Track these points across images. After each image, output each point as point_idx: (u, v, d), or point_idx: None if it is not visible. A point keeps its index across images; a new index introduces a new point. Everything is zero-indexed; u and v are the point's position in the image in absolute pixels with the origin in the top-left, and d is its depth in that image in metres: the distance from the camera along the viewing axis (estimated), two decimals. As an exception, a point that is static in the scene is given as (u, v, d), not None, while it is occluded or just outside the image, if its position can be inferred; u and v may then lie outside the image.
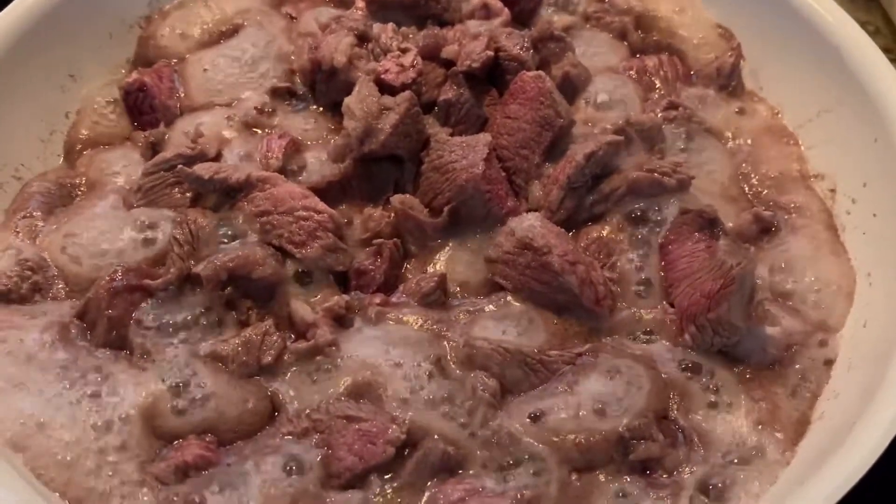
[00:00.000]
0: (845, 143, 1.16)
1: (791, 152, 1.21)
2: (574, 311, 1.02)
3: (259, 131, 1.15)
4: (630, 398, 0.92)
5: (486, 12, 1.29)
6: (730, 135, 1.20)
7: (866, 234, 1.09)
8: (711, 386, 0.95)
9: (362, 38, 1.21)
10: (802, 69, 1.23)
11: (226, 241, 1.02)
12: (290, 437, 0.90)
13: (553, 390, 0.94)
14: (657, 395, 0.93)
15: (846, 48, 1.17)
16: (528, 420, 0.92)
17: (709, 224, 1.04)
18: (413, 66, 1.16)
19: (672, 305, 1.02)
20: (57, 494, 0.85)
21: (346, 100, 1.11)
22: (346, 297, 1.00)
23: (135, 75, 1.21)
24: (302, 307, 0.98)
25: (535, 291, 1.02)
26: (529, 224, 1.03)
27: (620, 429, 0.90)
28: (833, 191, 1.17)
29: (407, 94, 1.10)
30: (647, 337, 1.00)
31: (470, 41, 1.19)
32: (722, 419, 0.93)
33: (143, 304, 0.97)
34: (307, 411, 0.92)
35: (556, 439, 0.90)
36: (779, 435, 0.93)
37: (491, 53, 1.16)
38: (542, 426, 0.91)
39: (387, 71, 1.15)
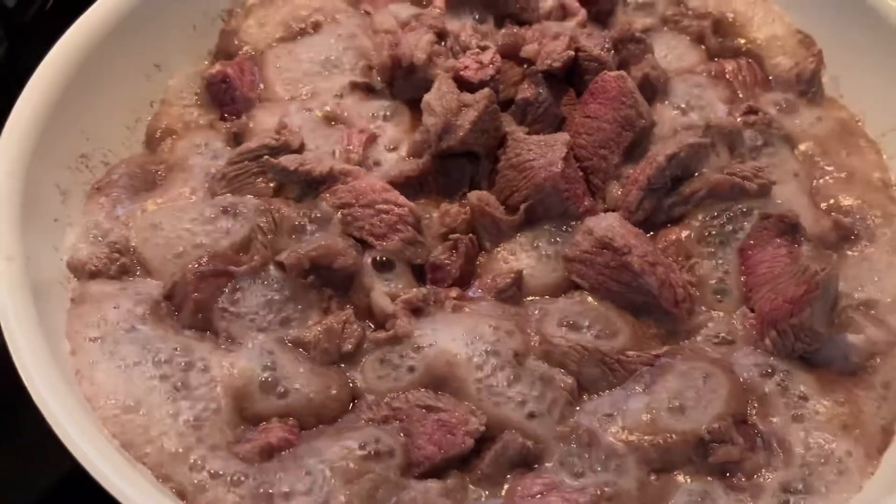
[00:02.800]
0: (929, 152, 1.15)
1: (872, 161, 1.19)
2: (652, 313, 1.01)
3: (338, 125, 1.16)
4: (709, 401, 0.92)
5: (563, 12, 1.29)
6: (810, 142, 1.18)
7: None
8: (792, 391, 0.94)
9: (441, 36, 1.22)
10: (885, 77, 1.22)
11: (308, 231, 1.04)
12: (371, 423, 0.91)
13: (631, 390, 0.94)
14: (736, 398, 0.93)
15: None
16: (605, 418, 0.92)
17: (790, 229, 1.03)
18: (492, 64, 1.17)
19: (752, 310, 1.01)
20: (145, 467, 0.87)
21: (426, 96, 1.12)
22: (423, 289, 1.01)
23: (218, 67, 1.23)
24: (382, 298, 0.99)
25: (612, 292, 1.02)
26: (608, 224, 1.03)
27: (700, 431, 0.89)
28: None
29: (486, 91, 1.11)
30: (726, 341, 0.99)
31: (550, 41, 1.19)
32: (802, 425, 0.92)
33: (227, 290, 0.98)
34: (386, 399, 0.93)
35: (633, 438, 0.90)
36: (862, 443, 0.92)
37: (572, 53, 1.16)
38: (619, 425, 0.91)
39: (466, 68, 1.16)
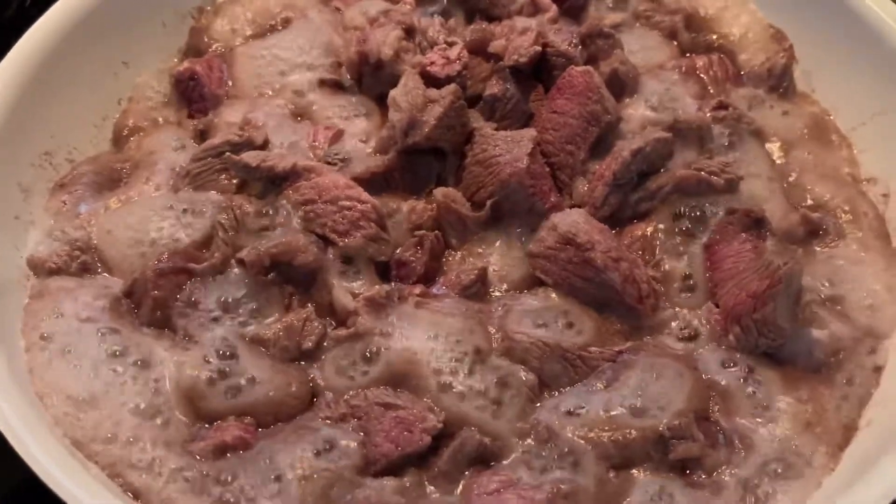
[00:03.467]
0: (900, 146, 1.14)
1: (842, 156, 1.18)
2: (615, 309, 1.01)
3: (305, 121, 1.16)
4: (670, 397, 0.91)
5: (534, 8, 1.28)
6: (780, 137, 1.17)
7: (921, 239, 1.07)
8: (754, 388, 0.94)
9: (409, 32, 1.21)
10: (857, 71, 1.21)
11: (269, 227, 1.03)
12: (328, 421, 0.90)
13: (592, 386, 0.93)
14: (698, 395, 0.92)
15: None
16: (565, 415, 0.91)
17: (755, 224, 1.02)
18: (459, 60, 1.16)
19: (717, 306, 1.01)
20: (97, 466, 0.86)
21: (392, 92, 1.11)
22: (386, 286, 1.00)
23: (186, 64, 1.22)
24: (343, 295, 0.99)
25: (576, 287, 1.01)
26: (573, 220, 1.02)
27: (660, 427, 0.88)
28: (886, 195, 1.14)
29: (452, 86, 1.10)
30: (690, 336, 0.98)
31: (517, 36, 1.18)
32: (764, 422, 0.92)
33: (186, 287, 0.98)
34: (345, 397, 0.92)
35: (592, 435, 0.89)
36: (824, 440, 0.91)
37: (539, 49, 1.15)
38: (579, 421, 0.90)
39: (432, 63, 1.15)
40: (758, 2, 1.31)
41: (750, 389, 0.93)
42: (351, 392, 0.93)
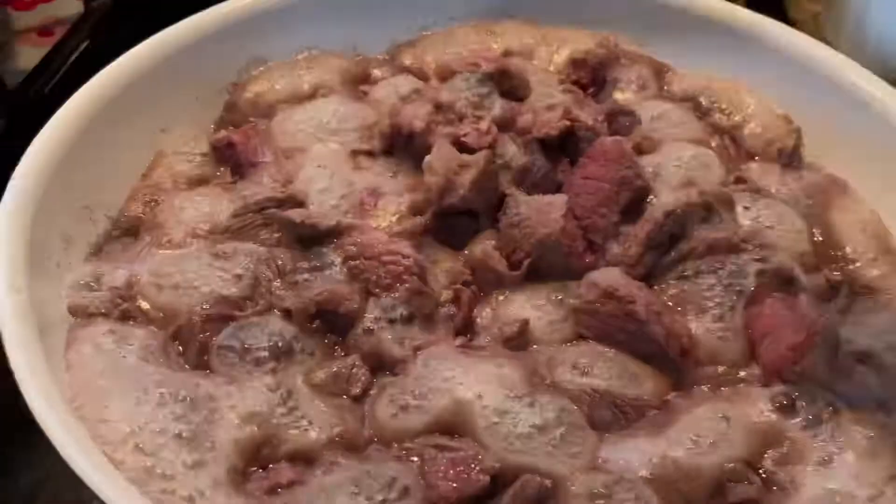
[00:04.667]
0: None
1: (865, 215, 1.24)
2: (658, 364, 1.02)
3: (342, 183, 1.18)
4: (724, 441, 0.91)
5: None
6: (802, 196, 1.23)
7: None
8: (811, 431, 0.94)
9: (439, 107, 1.27)
10: (864, 155, 1.28)
11: (312, 279, 1.04)
12: (384, 462, 0.89)
13: (644, 431, 0.93)
14: (751, 439, 0.92)
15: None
16: (621, 460, 0.91)
17: (787, 282, 1.06)
18: (489, 133, 1.21)
19: (756, 363, 1.02)
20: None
21: (427, 157, 1.15)
22: (431, 336, 1.01)
23: (223, 133, 1.26)
24: (392, 344, 0.99)
25: (619, 342, 1.02)
26: (613, 275, 1.05)
27: (717, 470, 0.88)
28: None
29: (485, 152, 1.15)
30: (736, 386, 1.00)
31: (545, 111, 1.24)
32: (821, 467, 0.92)
33: (228, 330, 0.98)
34: (397, 442, 0.91)
35: (650, 477, 0.88)
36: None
37: (567, 123, 1.21)
38: (637, 463, 0.90)
39: (466, 134, 1.20)
40: (764, 88, 1.39)
41: (805, 432, 0.94)
42: (403, 437, 0.92)
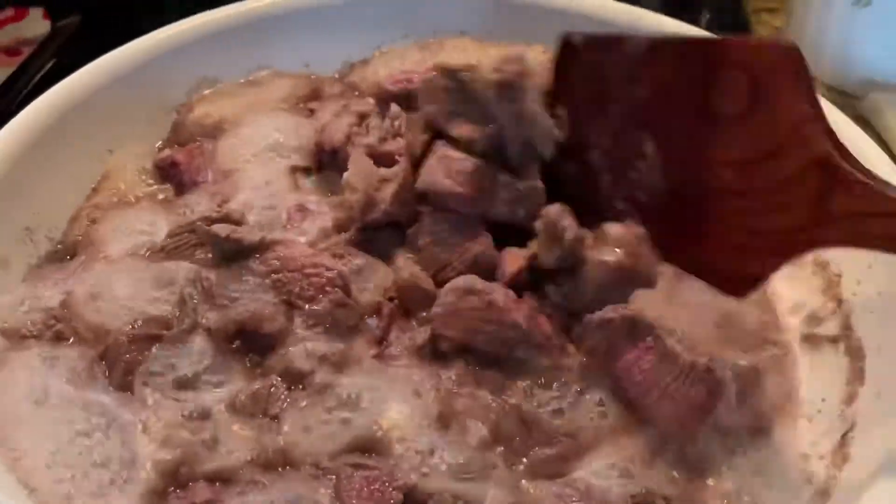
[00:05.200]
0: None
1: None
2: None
3: (276, 200, 1.21)
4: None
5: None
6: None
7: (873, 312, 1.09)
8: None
9: (362, 118, 1.28)
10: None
11: (238, 298, 1.05)
12: (299, 481, 0.90)
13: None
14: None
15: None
16: (532, 473, 0.93)
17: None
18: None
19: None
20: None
21: (345, 175, 1.16)
22: (340, 345, 1.02)
23: (167, 152, 1.29)
24: (299, 357, 1.01)
25: (480, 341, 1.02)
26: (471, 278, 1.04)
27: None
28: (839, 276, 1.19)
29: (404, 163, 1.15)
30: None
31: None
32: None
33: (151, 353, 1.00)
34: (312, 460, 0.93)
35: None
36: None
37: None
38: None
39: (385, 140, 1.21)
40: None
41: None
42: (318, 454, 0.93)
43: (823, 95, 1.26)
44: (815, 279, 1.18)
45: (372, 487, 0.90)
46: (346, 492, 0.90)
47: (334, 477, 0.91)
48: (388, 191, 1.12)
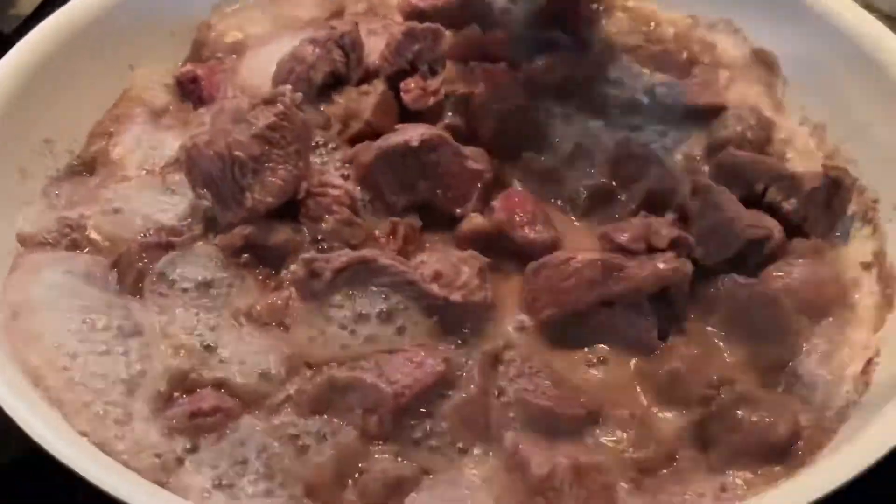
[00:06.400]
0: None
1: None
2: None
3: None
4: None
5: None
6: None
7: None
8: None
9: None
10: (845, 87, 1.23)
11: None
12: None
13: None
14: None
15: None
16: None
17: None
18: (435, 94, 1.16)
19: None
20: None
21: None
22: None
23: (189, 66, 1.27)
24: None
25: None
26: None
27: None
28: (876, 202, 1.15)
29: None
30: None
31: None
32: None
33: (164, 259, 1.01)
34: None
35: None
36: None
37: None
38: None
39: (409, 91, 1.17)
40: (745, 26, 1.34)
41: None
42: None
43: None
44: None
45: (412, 364, 0.91)
46: (390, 372, 0.91)
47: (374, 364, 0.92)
48: (367, 102, 1.11)
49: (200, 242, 1.02)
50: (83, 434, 0.87)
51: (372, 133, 1.11)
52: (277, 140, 0.99)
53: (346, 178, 1.07)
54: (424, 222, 1.07)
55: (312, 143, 1.09)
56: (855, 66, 1.22)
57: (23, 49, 1.16)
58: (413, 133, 1.05)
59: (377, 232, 1.05)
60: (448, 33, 1.20)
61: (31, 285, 0.98)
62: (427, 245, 1.07)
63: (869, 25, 1.24)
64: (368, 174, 1.06)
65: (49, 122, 1.17)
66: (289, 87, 1.03)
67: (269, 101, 1.00)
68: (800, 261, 1.05)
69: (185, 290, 0.99)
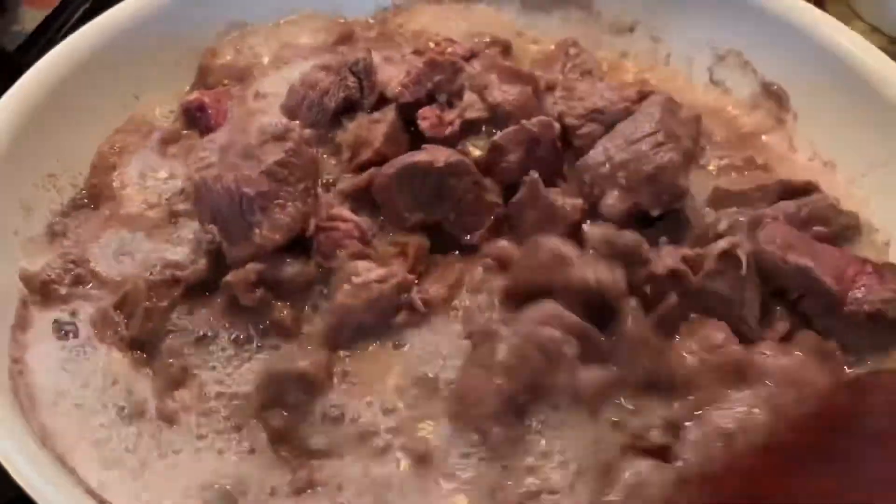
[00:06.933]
0: None
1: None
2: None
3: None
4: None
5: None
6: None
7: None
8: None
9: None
10: (855, 123, 1.19)
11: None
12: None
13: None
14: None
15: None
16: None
17: None
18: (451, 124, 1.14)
19: None
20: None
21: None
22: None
23: (195, 94, 1.26)
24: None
25: None
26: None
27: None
28: (887, 244, 1.12)
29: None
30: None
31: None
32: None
33: (177, 311, 0.99)
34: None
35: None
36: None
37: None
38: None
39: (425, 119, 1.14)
40: (755, 60, 1.30)
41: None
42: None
43: (885, 49, 1.20)
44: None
45: None
46: None
47: None
48: (378, 131, 1.09)
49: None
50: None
51: (381, 162, 1.09)
52: (286, 177, 0.97)
53: (354, 211, 1.06)
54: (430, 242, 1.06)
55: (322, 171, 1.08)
56: (862, 101, 1.19)
57: (26, 83, 1.15)
58: (439, 155, 1.04)
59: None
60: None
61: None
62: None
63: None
64: (387, 186, 1.05)
65: (52, 155, 1.15)
66: (297, 122, 1.01)
67: (279, 138, 0.98)
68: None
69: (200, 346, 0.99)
